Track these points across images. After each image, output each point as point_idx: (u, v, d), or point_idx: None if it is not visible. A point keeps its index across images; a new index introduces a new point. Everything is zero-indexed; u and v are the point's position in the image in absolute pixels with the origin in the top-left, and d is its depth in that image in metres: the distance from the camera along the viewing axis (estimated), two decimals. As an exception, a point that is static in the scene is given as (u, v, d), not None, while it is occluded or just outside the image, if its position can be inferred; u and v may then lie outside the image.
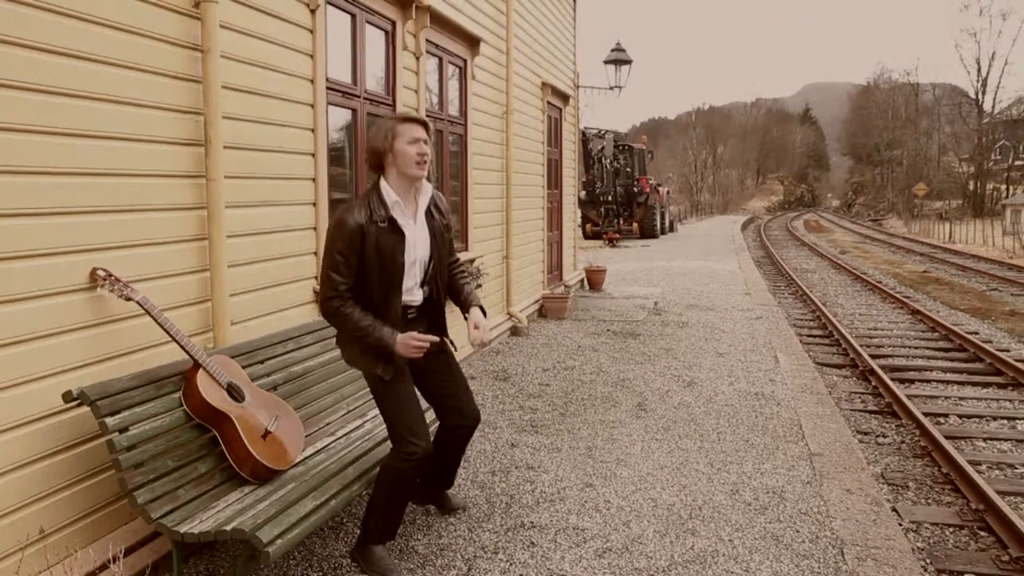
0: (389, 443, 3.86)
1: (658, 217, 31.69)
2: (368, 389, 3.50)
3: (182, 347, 3.24)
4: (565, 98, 11.74)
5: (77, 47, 3.03)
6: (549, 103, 10.75)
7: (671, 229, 35.76)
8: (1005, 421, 6.65)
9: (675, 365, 7.60)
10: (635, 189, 30.57)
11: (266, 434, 3.39)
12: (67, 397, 2.88)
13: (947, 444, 5.64)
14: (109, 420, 2.91)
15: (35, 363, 2.91)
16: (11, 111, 2.79)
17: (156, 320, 3.21)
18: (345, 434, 4.05)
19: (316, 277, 4.80)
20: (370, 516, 3.40)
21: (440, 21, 6.63)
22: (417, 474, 3.39)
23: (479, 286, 7.63)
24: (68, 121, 3.01)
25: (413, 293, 3.37)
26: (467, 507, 4.11)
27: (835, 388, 7.69)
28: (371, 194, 3.26)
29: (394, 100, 5.92)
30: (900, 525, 4.44)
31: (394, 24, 5.90)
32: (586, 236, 27.25)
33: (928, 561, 4.12)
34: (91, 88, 3.10)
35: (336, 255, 3.16)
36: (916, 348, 9.74)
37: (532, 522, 3.96)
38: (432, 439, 3.46)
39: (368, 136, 3.31)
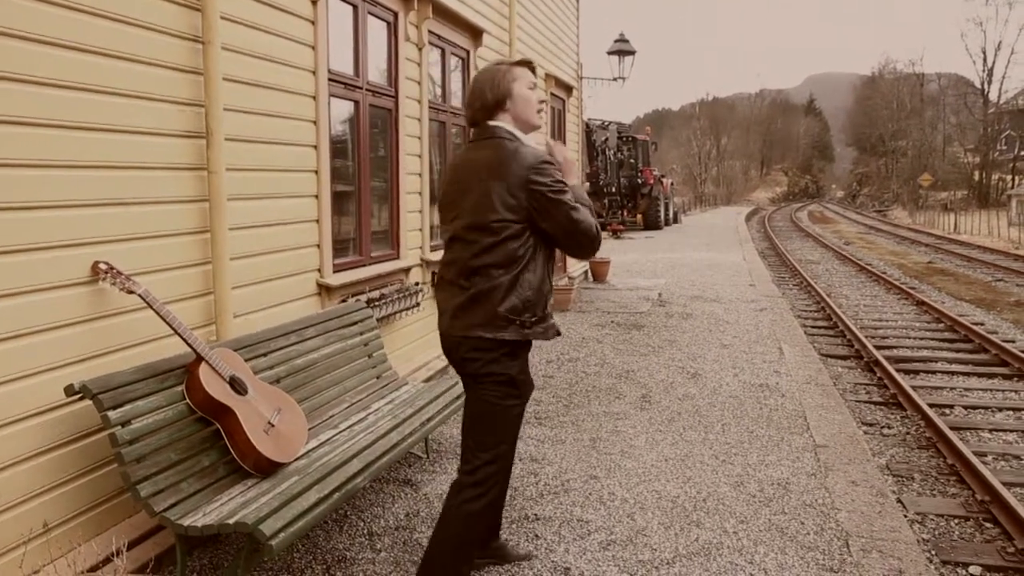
0: (389, 437, 3.86)
1: (662, 208, 31.61)
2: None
3: (184, 340, 3.23)
4: (568, 89, 11.70)
5: (77, 39, 3.02)
6: (552, 94, 10.71)
7: (675, 220, 35.68)
8: (1011, 412, 6.63)
9: (679, 357, 7.58)
10: (639, 180, 30.50)
11: (269, 427, 3.38)
12: (69, 391, 2.87)
13: (952, 435, 5.62)
14: (111, 414, 2.90)
15: (37, 357, 2.90)
16: (11, 104, 2.77)
17: (158, 313, 3.20)
18: (348, 427, 4.04)
19: (319, 269, 4.79)
20: None
21: (442, 12, 6.59)
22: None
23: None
24: (69, 114, 3.00)
25: None
26: (531, 555, 3.50)
27: (840, 379, 7.67)
28: (511, 137, 2.82)
29: (396, 91, 5.89)
30: (905, 516, 4.43)
31: (396, 15, 5.87)
32: (590, 228, 27.15)
33: (933, 552, 4.11)
34: (92, 80, 3.09)
35: (560, 179, 2.77)
36: (921, 339, 9.71)
37: (536, 514, 3.96)
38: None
39: (477, 85, 2.86)
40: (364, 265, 5.44)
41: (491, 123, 2.84)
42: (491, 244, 2.72)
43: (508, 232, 2.71)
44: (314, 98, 4.70)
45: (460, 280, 2.81)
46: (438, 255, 6.57)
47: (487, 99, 2.84)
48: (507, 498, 4.10)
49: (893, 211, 57.19)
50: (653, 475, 4.50)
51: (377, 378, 4.68)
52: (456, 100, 7.36)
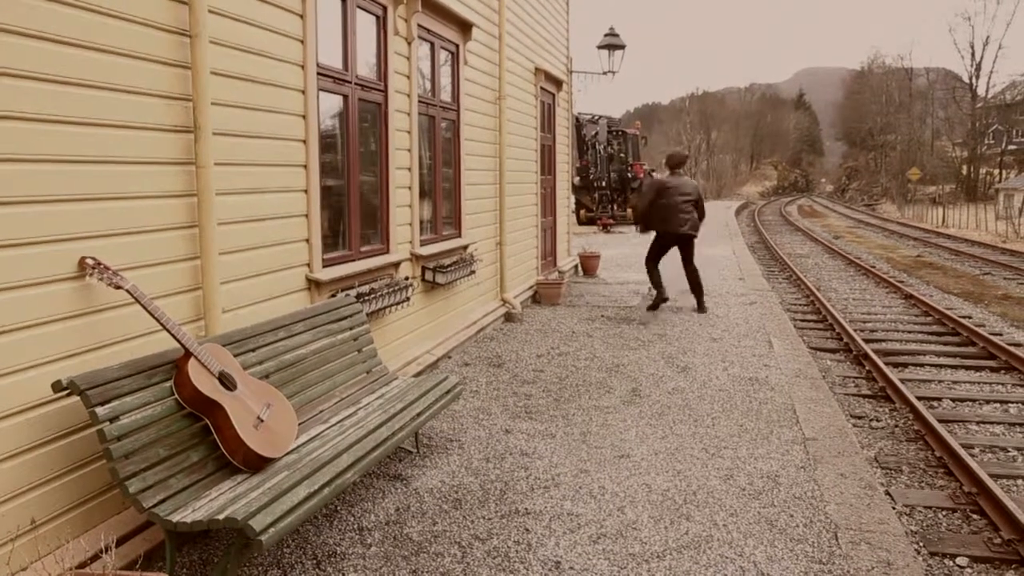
0: (379, 432, 3.89)
1: (652, 203, 31.52)
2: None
3: (173, 336, 3.22)
4: (558, 83, 11.68)
5: (63, 32, 2.99)
6: (542, 88, 10.69)
7: (665, 215, 35.61)
8: (998, 404, 6.68)
9: (669, 350, 7.60)
10: (629, 175, 30.47)
11: (258, 422, 3.37)
12: (57, 387, 2.86)
13: (940, 428, 5.66)
14: (99, 410, 2.89)
15: (24, 352, 2.88)
16: (-5, 97, 2.75)
17: (146, 308, 3.18)
18: (338, 422, 4.04)
19: (308, 264, 4.78)
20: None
21: (432, 6, 6.57)
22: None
23: (472, 272, 7.60)
24: (55, 108, 2.98)
25: None
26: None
27: (829, 373, 7.71)
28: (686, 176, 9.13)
29: (386, 86, 5.87)
30: (894, 509, 4.45)
31: (385, 9, 5.84)
32: (580, 222, 27.19)
33: (921, 544, 4.14)
34: (78, 74, 3.06)
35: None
36: (909, 332, 9.77)
37: (526, 508, 3.96)
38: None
39: (680, 154, 9.36)
40: (353, 260, 5.43)
41: (681, 171, 9.51)
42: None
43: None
44: (303, 92, 4.68)
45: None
46: (428, 249, 6.60)
47: (680, 162, 9.58)
48: (499, 492, 4.12)
49: (882, 205, 57.40)
50: (643, 469, 4.51)
51: (367, 373, 4.68)
52: (446, 94, 7.34)
